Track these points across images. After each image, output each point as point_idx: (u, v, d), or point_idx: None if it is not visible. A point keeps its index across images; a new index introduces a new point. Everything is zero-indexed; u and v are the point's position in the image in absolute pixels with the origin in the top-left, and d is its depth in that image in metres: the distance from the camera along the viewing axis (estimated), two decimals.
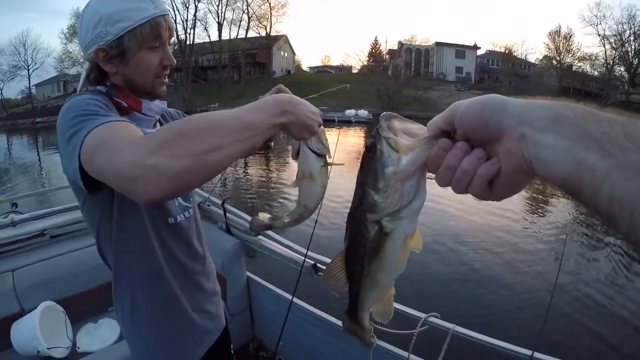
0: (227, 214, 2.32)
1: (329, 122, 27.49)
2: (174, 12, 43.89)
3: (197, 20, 45.78)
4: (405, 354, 1.56)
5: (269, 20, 48.48)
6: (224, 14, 46.88)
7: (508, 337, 1.48)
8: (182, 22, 45.30)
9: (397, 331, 1.56)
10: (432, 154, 0.44)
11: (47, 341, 1.78)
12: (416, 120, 0.51)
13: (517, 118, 0.38)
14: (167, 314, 1.04)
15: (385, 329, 1.50)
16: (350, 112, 29.35)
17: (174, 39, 0.98)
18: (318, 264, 1.85)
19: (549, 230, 6.78)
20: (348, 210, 0.55)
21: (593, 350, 3.63)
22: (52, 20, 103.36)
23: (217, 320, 1.20)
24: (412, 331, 1.54)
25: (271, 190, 7.96)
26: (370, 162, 0.48)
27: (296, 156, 0.88)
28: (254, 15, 47.94)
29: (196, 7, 45.30)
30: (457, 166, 0.43)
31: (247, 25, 47.96)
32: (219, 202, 2.38)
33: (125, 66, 0.89)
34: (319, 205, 0.92)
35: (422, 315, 1.56)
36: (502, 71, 47.27)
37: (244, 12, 47.42)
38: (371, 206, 0.49)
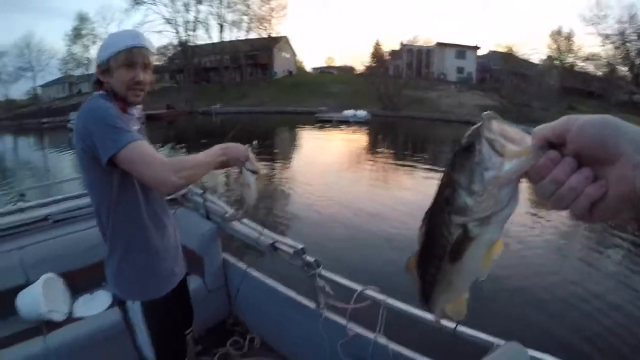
0: (207, 203, 2.66)
1: (326, 122, 27.99)
2: (175, 13, 44.56)
3: (198, 22, 46.50)
4: (344, 321, 1.92)
5: (269, 22, 49.04)
6: (225, 16, 47.54)
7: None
8: (184, 24, 45.92)
9: (339, 304, 1.97)
10: (539, 164, 0.42)
11: (48, 306, 2.11)
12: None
13: (635, 145, 0.37)
14: (149, 251, 1.41)
15: (329, 302, 2.00)
16: (348, 113, 29.63)
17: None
18: (276, 243, 2.18)
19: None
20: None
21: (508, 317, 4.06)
22: (54, 20, 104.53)
23: (180, 266, 1.58)
24: (347, 306, 1.87)
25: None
26: (466, 162, 0.45)
27: (239, 174, 1.48)
28: (254, 17, 48.54)
29: (197, 9, 46.03)
30: (564, 182, 0.41)
31: (247, 27, 48.58)
32: (200, 192, 2.72)
33: (110, 78, 1.31)
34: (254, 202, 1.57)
35: (359, 287, 1.86)
36: (503, 71, 47.19)
37: (244, 14, 48.09)
38: (461, 209, 0.46)
